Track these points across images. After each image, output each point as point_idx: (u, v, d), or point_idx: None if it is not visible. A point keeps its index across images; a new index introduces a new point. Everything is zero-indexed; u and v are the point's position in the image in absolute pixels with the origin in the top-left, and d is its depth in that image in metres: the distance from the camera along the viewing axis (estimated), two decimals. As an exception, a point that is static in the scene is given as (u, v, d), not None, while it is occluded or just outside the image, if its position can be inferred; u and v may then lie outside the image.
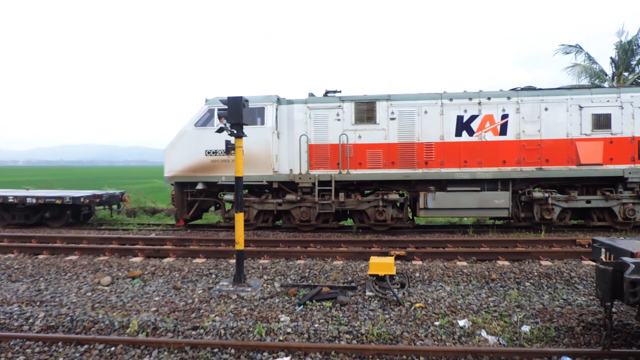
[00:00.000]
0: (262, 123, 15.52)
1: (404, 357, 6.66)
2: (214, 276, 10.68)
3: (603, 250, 6.93)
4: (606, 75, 27.19)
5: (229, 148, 9.80)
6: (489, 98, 15.69)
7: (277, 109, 15.71)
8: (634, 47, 26.62)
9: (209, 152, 15.60)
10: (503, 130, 15.57)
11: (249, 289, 9.50)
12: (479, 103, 15.65)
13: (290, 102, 15.91)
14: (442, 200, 15.41)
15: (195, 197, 16.30)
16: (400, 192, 16.02)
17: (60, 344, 7.24)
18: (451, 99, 15.69)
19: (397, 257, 11.63)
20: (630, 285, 5.44)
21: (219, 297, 9.26)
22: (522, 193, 15.73)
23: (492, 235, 14.98)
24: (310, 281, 10.12)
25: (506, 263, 11.01)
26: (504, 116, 15.58)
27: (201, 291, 9.72)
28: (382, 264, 9.03)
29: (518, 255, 11.64)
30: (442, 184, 15.76)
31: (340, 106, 15.72)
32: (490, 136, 15.58)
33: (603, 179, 15.49)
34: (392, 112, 15.63)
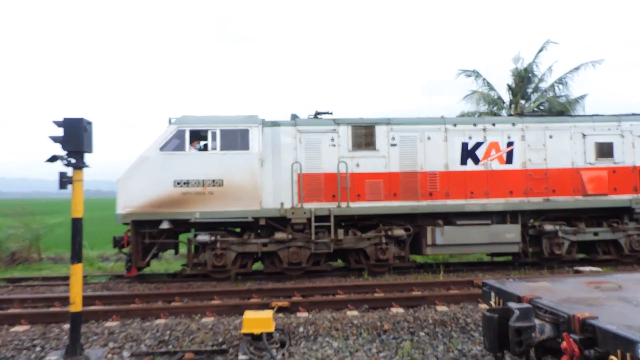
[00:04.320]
0: (246, 148, 12.14)
1: None
2: (39, 349, 7.88)
3: (492, 294, 6.03)
4: (504, 102, 25.37)
5: (64, 181, 7.44)
6: (493, 124, 13.24)
7: (262, 132, 12.51)
8: (529, 75, 24.88)
9: (178, 183, 11.92)
10: (509, 158, 13.12)
11: (87, 363, 6.97)
12: (484, 129, 13.14)
13: (275, 124, 12.61)
14: (451, 236, 12.59)
15: (154, 238, 12.33)
16: (405, 227, 12.94)
17: None
18: (455, 124, 13.09)
19: (280, 309, 9.36)
20: (515, 333, 4.69)
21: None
22: (530, 226, 13.30)
23: (388, 278, 12.47)
24: (170, 346, 7.91)
25: (400, 310, 9.42)
26: (510, 143, 13.15)
27: (18, 371, 6.85)
28: (258, 320, 7.43)
29: (413, 300, 9.91)
30: (448, 218, 12.97)
31: (335, 130, 12.64)
32: (496, 165, 13.05)
33: (608, 209, 13.45)
34: (393, 138, 12.75)
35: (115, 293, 11.11)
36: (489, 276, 12.32)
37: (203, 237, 12.19)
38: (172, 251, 13.76)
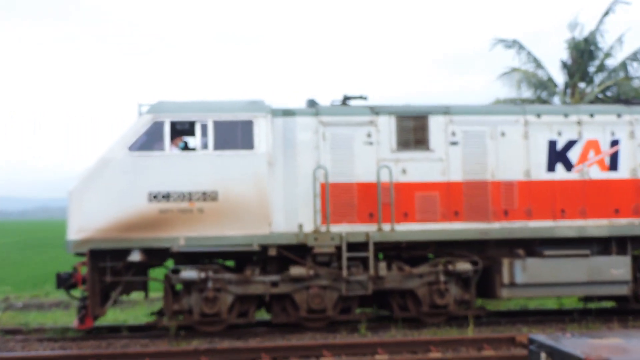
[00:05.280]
0: (250, 147, 8.75)
1: None
2: None
3: (543, 355, 4.37)
4: (556, 85, 19.63)
5: None
6: (591, 115, 9.63)
7: (271, 124, 9.11)
8: (592, 48, 18.80)
9: (155, 196, 8.58)
10: (613, 163, 9.54)
11: None
12: (578, 122, 9.54)
13: (289, 112, 9.18)
14: (537, 272, 9.06)
15: (118, 275, 8.90)
16: (470, 259, 9.49)
17: None
18: (539, 115, 9.52)
19: None
20: None
21: None
22: None
23: (395, 333, 9.10)
24: None
25: (414, 380, 7.49)
26: (614, 142, 9.56)
27: None
28: None
29: None
30: (530, 246, 9.41)
31: (372, 122, 9.16)
32: (595, 172, 9.47)
33: None
34: (453, 133, 9.26)
35: (5, 356, 8.36)
36: (537, 330, 8.99)
37: (189, 274, 8.68)
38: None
